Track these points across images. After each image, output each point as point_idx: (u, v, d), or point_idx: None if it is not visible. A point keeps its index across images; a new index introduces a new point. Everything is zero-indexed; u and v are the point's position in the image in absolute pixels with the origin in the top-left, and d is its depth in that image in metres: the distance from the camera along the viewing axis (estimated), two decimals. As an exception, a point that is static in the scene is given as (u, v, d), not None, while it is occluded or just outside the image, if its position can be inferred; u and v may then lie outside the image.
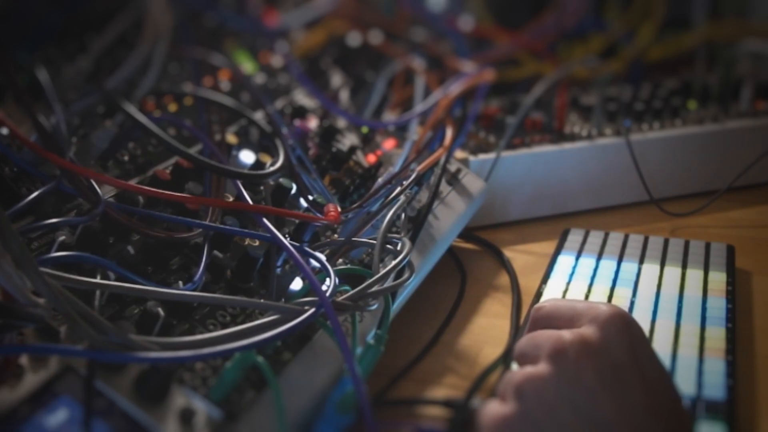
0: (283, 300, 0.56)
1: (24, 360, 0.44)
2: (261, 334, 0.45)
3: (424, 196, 0.74)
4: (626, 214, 0.90)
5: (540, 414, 0.46)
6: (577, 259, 0.77)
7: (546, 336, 0.49)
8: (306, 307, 0.49)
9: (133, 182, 0.64)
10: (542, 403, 0.46)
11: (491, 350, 0.65)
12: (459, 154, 0.86)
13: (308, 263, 0.54)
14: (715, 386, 0.57)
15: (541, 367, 0.48)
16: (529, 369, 0.48)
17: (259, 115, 0.79)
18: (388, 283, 0.56)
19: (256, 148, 0.73)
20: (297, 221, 0.64)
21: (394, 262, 0.56)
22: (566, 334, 0.48)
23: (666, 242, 0.79)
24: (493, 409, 0.49)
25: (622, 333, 0.48)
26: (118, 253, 0.54)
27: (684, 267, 0.74)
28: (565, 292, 0.71)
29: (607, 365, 0.46)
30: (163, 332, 0.49)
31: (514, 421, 0.47)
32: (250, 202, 0.61)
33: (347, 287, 0.54)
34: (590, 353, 0.47)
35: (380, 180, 0.69)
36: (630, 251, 0.77)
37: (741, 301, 0.70)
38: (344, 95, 0.94)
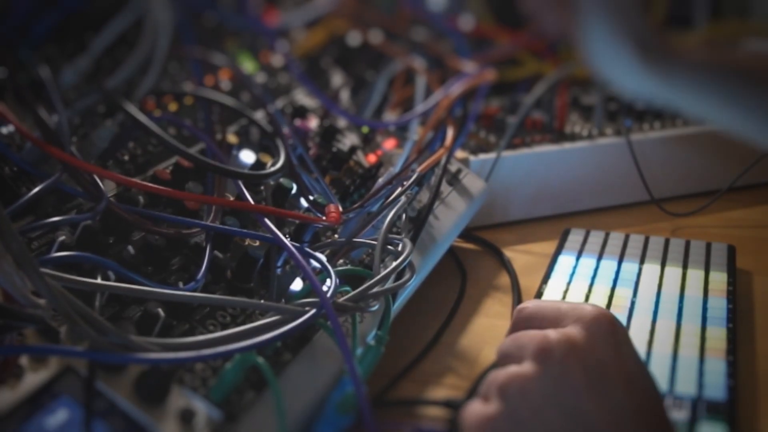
0: (283, 301, 0.56)
1: (24, 360, 0.44)
2: (261, 335, 0.45)
3: (424, 196, 0.74)
4: (627, 214, 0.90)
5: (525, 413, 0.46)
6: (577, 259, 0.76)
7: (530, 336, 0.49)
8: (307, 308, 0.49)
9: (133, 182, 0.63)
10: (527, 402, 0.46)
11: (491, 350, 0.64)
12: (459, 154, 0.86)
13: (309, 264, 0.54)
14: (716, 386, 0.57)
15: (526, 367, 0.47)
16: (514, 368, 0.48)
17: (259, 115, 0.79)
18: (389, 284, 0.56)
19: (257, 148, 0.73)
20: (297, 221, 0.64)
21: (395, 263, 0.56)
22: (552, 334, 0.48)
23: (667, 242, 0.79)
24: (476, 409, 0.48)
25: (607, 333, 0.48)
26: (119, 253, 0.54)
27: (685, 267, 0.74)
28: (565, 292, 0.71)
29: (593, 365, 0.46)
30: (164, 333, 0.49)
31: (499, 421, 0.46)
32: (252, 202, 0.61)
33: (348, 288, 0.54)
34: (576, 353, 0.47)
35: (381, 180, 0.69)
36: (631, 251, 0.77)
37: (742, 301, 0.70)
38: (344, 95, 0.94)
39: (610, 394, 0.45)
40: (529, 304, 0.54)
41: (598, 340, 0.47)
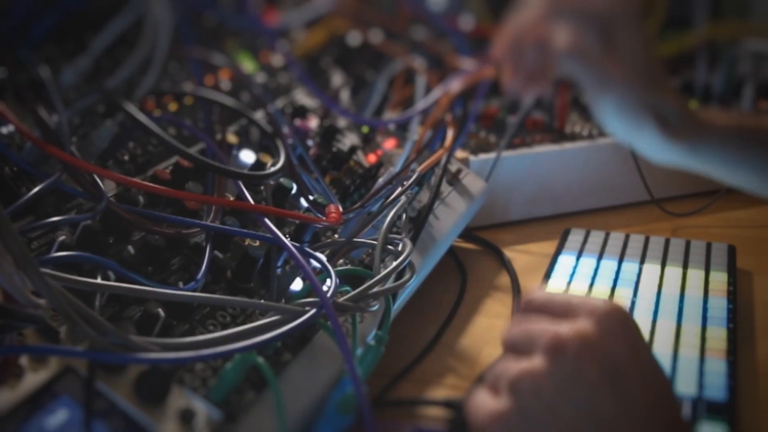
0: (283, 301, 0.56)
1: (24, 360, 0.44)
2: (261, 335, 0.45)
3: (424, 196, 0.74)
4: (627, 214, 0.90)
5: (537, 410, 0.45)
6: (577, 259, 0.76)
7: (541, 329, 0.47)
8: (307, 308, 0.49)
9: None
10: (540, 399, 0.45)
11: (491, 350, 0.65)
12: (460, 153, 0.85)
13: (309, 264, 0.54)
14: (716, 387, 0.57)
15: (538, 362, 0.46)
16: (525, 364, 0.47)
17: (259, 115, 0.79)
18: (389, 284, 0.56)
19: (257, 148, 0.73)
20: (297, 221, 0.64)
21: (395, 263, 0.56)
22: (564, 329, 0.46)
23: (667, 242, 0.79)
24: (486, 403, 0.47)
25: (620, 329, 0.47)
26: (119, 253, 0.54)
27: (685, 267, 0.74)
28: (565, 292, 0.71)
29: (607, 362, 0.46)
30: (164, 333, 0.49)
31: (510, 418, 0.46)
32: (252, 202, 0.61)
33: (348, 288, 0.54)
34: (589, 349, 0.46)
35: (381, 180, 0.69)
36: (631, 251, 0.77)
37: (742, 301, 0.70)
38: (345, 94, 0.94)
39: (624, 391, 0.45)
40: (537, 294, 0.52)
41: (612, 336, 0.46)
